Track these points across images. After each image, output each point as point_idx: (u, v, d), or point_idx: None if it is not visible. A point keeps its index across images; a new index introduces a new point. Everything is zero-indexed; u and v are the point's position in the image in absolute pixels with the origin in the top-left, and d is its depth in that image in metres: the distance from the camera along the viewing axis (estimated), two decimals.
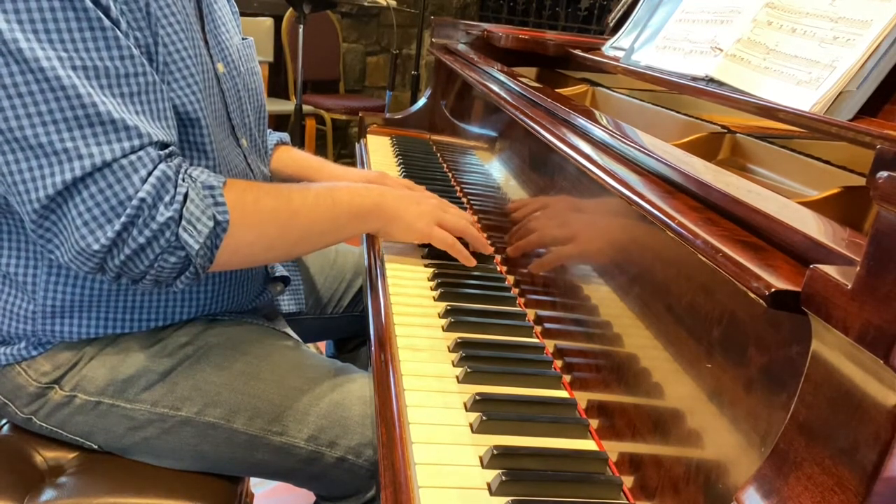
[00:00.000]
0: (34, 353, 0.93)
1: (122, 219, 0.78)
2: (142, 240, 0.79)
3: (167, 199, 0.80)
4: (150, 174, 0.80)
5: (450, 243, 1.05)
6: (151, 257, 0.81)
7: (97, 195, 0.78)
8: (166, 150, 0.83)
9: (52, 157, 0.77)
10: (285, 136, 1.34)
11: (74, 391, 0.93)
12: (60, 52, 0.76)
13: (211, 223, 0.83)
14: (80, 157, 0.77)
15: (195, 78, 0.89)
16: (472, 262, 1.07)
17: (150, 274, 0.83)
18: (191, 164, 0.90)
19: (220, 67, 1.00)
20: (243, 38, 1.12)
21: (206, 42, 0.98)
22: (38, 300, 0.90)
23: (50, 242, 0.81)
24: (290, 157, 1.31)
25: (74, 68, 0.77)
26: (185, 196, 0.82)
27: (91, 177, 0.77)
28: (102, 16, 0.78)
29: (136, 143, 0.79)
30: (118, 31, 0.80)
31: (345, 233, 1.01)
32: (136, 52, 0.81)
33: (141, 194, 0.79)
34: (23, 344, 0.93)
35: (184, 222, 0.81)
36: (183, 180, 0.83)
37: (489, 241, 1.18)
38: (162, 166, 0.81)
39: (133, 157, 0.79)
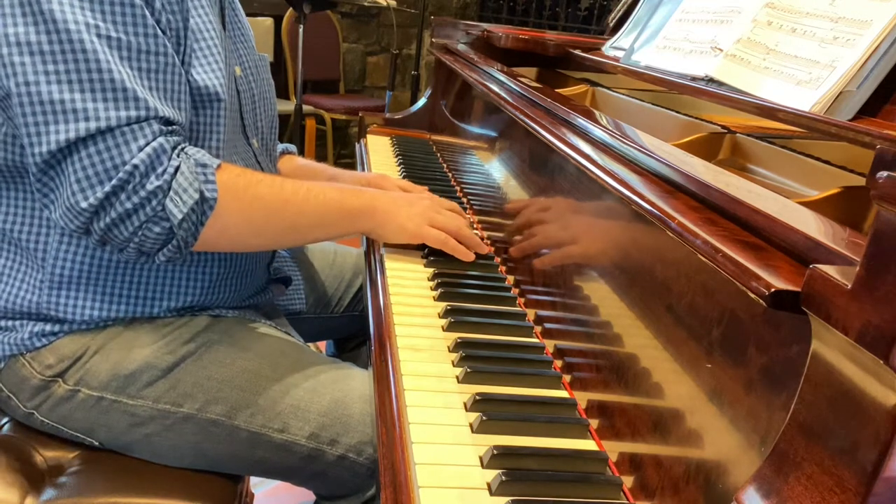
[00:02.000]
0: (38, 344, 0.93)
1: (113, 182, 0.82)
2: (129, 205, 0.82)
3: (160, 170, 0.83)
4: (147, 144, 0.83)
5: (442, 240, 1.05)
6: (136, 224, 0.83)
7: (94, 156, 0.82)
8: (169, 127, 0.86)
9: (62, 115, 0.81)
10: (291, 146, 1.37)
11: (78, 385, 0.93)
12: (89, 19, 0.81)
13: (197, 195, 0.85)
14: (87, 118, 0.81)
15: (220, 64, 0.93)
16: (471, 257, 1.07)
17: (133, 242, 0.85)
18: (200, 145, 0.93)
19: (238, 70, 1.03)
20: (259, 55, 1.14)
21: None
22: (48, 268, 0.92)
23: (46, 197, 0.85)
24: (293, 164, 1.34)
25: (99, 36, 0.81)
26: (177, 169, 0.85)
27: (93, 138, 0.81)
28: None
29: (143, 113, 0.83)
30: (146, 10, 0.84)
31: (334, 230, 1.03)
32: (160, 33, 0.86)
33: (135, 161, 0.82)
34: (27, 334, 0.93)
35: (171, 193, 0.84)
36: (178, 155, 0.85)
37: (489, 242, 1.18)
38: (161, 139, 0.84)
39: (135, 126, 0.83)
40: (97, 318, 0.94)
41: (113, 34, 0.82)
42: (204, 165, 0.87)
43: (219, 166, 0.88)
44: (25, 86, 0.80)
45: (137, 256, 0.88)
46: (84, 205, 0.82)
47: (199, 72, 0.91)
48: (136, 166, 0.82)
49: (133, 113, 0.82)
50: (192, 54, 0.91)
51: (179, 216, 0.84)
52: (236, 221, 0.91)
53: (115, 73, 0.82)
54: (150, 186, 0.83)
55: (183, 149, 0.87)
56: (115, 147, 0.82)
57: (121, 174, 0.82)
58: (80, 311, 0.93)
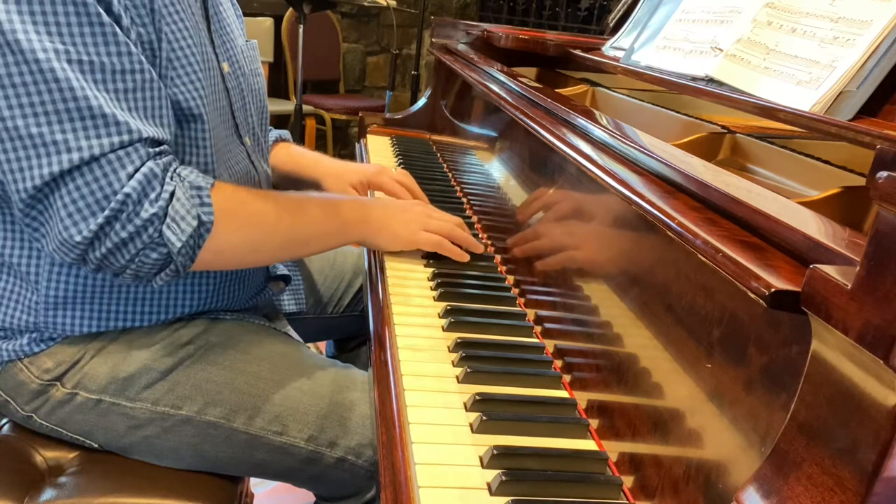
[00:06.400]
0: (36, 349, 0.93)
1: (106, 212, 0.79)
2: (124, 234, 0.80)
3: (153, 196, 0.81)
4: (136, 170, 0.81)
5: (435, 241, 1.06)
6: (133, 252, 0.82)
7: (83, 188, 0.79)
8: (157, 149, 0.83)
9: (42, 149, 0.78)
10: (285, 133, 1.35)
11: (76, 389, 0.93)
12: (57, 45, 0.77)
13: (195, 222, 0.84)
14: (69, 149, 0.78)
15: (199, 74, 0.90)
16: (465, 258, 1.08)
17: (130, 268, 0.83)
18: (188, 161, 0.91)
19: (226, 67, 1.01)
20: (247, 41, 1.13)
21: (212, 41, 0.99)
22: (41, 291, 0.91)
23: (37, 231, 0.83)
24: (288, 153, 1.32)
25: (70, 62, 0.78)
26: (172, 194, 0.83)
27: (78, 170, 0.79)
28: (102, 11, 0.79)
29: (126, 138, 0.80)
30: (117, 28, 0.81)
31: (330, 242, 1.03)
32: (134, 49, 0.82)
33: (126, 189, 0.80)
34: (25, 339, 0.93)
35: (168, 220, 0.82)
36: (171, 179, 0.83)
37: (489, 241, 1.18)
38: (150, 163, 0.82)
39: (121, 152, 0.80)
40: (94, 332, 0.94)
41: (84, 57, 0.78)
42: (199, 188, 0.85)
43: (212, 185, 0.87)
44: (2, 122, 0.77)
45: (134, 280, 0.86)
46: (78, 238, 0.79)
47: (179, 86, 0.88)
48: (128, 195, 0.79)
49: (116, 139, 0.79)
50: (170, 65, 0.87)
51: (178, 244, 0.82)
52: (233, 242, 0.90)
53: (92, 100, 0.78)
54: (144, 214, 0.80)
55: (175, 170, 0.85)
56: (104, 177, 0.79)
57: (113, 204, 0.79)
58: (77, 328, 0.93)
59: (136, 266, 0.83)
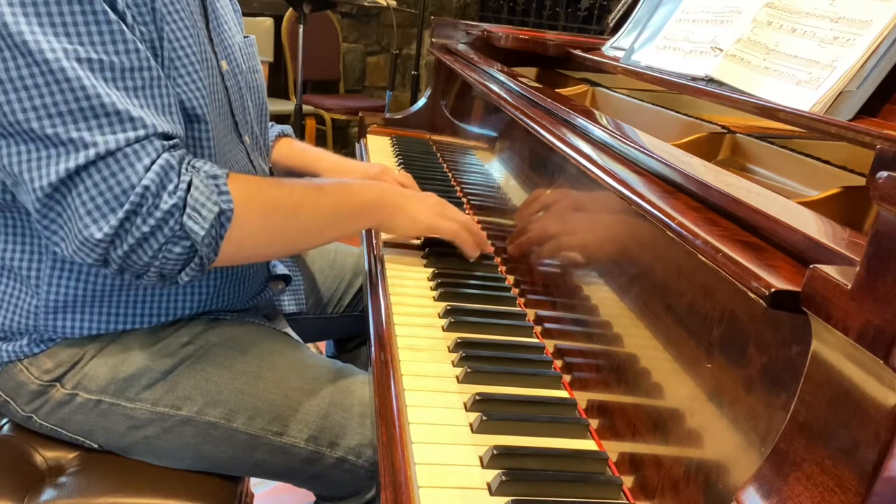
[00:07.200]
0: (36, 350, 0.93)
1: (126, 207, 0.78)
2: (146, 228, 0.79)
3: (171, 187, 0.80)
4: (153, 163, 0.80)
5: (455, 230, 1.05)
6: (155, 247, 0.80)
7: (100, 184, 0.78)
8: (170, 142, 0.83)
9: (59, 148, 0.77)
10: (287, 128, 1.35)
11: (76, 389, 0.93)
12: (66, 45, 0.77)
13: (216, 208, 0.83)
14: (85, 146, 0.77)
15: (199, 74, 0.90)
16: (476, 254, 1.07)
17: (153, 266, 0.82)
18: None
19: (224, 65, 1.00)
20: (245, 37, 1.12)
21: (211, 40, 0.98)
22: (42, 295, 0.91)
23: (55, 234, 0.81)
24: (290, 148, 1.32)
25: (79, 60, 0.77)
26: (189, 184, 0.82)
27: (94, 165, 0.78)
28: (108, 9, 0.79)
29: (141, 133, 0.80)
30: (123, 25, 0.80)
31: (348, 226, 1.01)
32: (141, 46, 0.82)
33: (145, 182, 0.79)
34: (25, 341, 0.93)
35: (188, 210, 0.81)
36: (186, 170, 0.83)
37: (489, 241, 1.18)
38: (165, 155, 0.81)
39: (137, 146, 0.79)
40: (95, 331, 0.94)
41: (94, 56, 0.78)
42: (215, 177, 0.85)
43: (227, 175, 0.86)
44: (17, 124, 0.76)
45: (158, 280, 0.84)
46: (99, 235, 0.78)
47: (181, 86, 0.88)
48: (146, 187, 0.78)
49: (132, 134, 0.79)
50: (171, 65, 0.87)
51: (202, 232, 0.81)
52: (253, 230, 0.88)
53: (105, 97, 0.78)
54: (164, 206, 0.79)
55: (190, 162, 0.84)
56: (121, 171, 0.78)
57: (132, 197, 0.78)
58: (77, 331, 0.93)
59: (161, 263, 0.82)
